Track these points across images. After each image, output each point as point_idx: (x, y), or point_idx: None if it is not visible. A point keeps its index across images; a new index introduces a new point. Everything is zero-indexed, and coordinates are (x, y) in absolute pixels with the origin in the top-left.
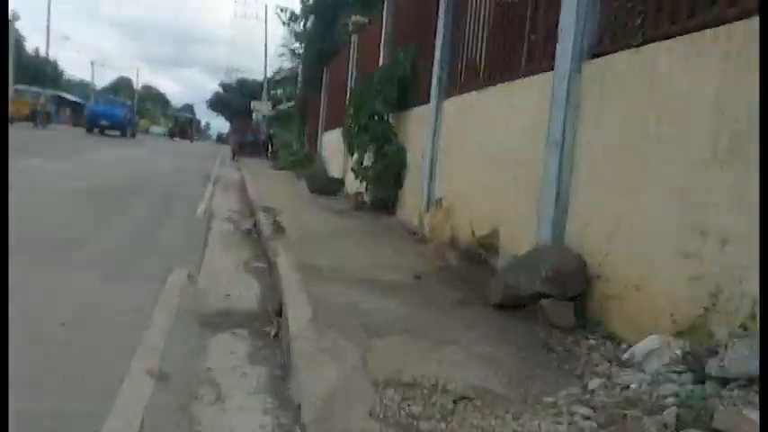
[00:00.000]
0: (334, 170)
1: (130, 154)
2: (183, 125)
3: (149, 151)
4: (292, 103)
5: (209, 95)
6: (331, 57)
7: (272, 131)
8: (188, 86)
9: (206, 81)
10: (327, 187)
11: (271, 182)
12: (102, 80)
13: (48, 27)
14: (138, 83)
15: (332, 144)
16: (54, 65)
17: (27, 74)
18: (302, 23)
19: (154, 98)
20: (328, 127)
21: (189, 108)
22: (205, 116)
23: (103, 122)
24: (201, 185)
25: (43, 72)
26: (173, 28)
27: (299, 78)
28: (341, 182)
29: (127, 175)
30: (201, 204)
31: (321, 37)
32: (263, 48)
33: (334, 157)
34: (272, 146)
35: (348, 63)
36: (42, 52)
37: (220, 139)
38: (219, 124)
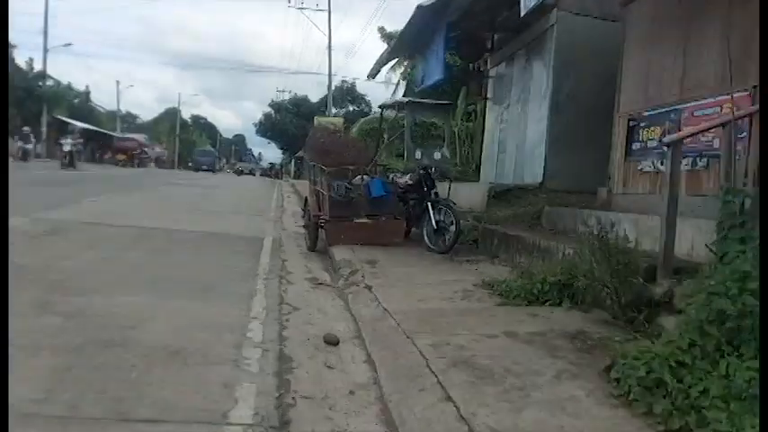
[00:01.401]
0: None
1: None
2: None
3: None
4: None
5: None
6: None
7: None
8: (241, 116)
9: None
10: None
11: None
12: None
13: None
14: (188, 113)
15: None
16: (87, 94)
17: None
18: None
19: (203, 128)
20: None
21: (241, 138)
22: (258, 146)
23: (203, 165)
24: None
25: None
26: (226, 59)
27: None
28: None
29: None
30: None
31: None
32: (320, 70)
33: None
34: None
35: None
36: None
37: (270, 170)
38: (270, 155)
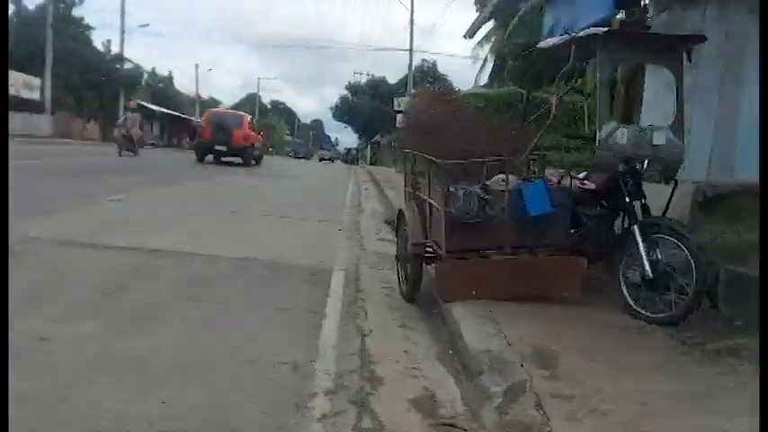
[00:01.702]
0: None
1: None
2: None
3: None
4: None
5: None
6: None
7: None
8: (320, 102)
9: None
10: None
11: None
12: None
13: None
14: (268, 98)
15: None
16: (170, 79)
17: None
18: None
19: (282, 113)
20: None
21: (318, 124)
22: (335, 131)
23: (299, 154)
24: None
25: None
26: (308, 43)
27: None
28: None
29: None
30: None
31: None
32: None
33: None
34: None
35: None
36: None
37: (347, 155)
38: (348, 139)
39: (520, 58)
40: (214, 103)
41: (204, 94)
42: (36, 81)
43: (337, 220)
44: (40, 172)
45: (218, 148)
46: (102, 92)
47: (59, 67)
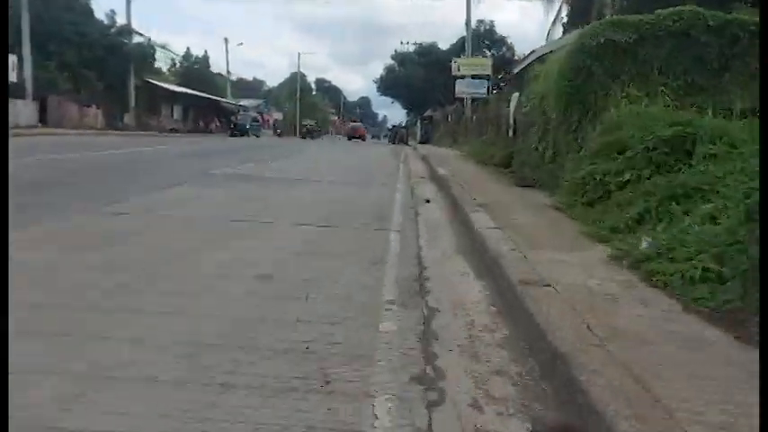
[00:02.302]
0: None
1: None
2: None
3: None
4: None
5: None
6: None
7: None
8: (368, 79)
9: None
10: None
11: None
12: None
13: None
14: (314, 77)
15: None
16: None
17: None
18: None
19: (326, 91)
20: None
21: (365, 101)
22: (382, 107)
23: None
24: None
25: None
26: (355, 21)
27: None
28: None
29: None
30: None
31: None
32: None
33: None
34: None
35: None
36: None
37: (394, 134)
38: (397, 115)
39: None
40: (258, 84)
41: (248, 75)
42: (11, 59)
43: (386, 279)
44: None
45: None
46: (106, 71)
47: (51, 42)
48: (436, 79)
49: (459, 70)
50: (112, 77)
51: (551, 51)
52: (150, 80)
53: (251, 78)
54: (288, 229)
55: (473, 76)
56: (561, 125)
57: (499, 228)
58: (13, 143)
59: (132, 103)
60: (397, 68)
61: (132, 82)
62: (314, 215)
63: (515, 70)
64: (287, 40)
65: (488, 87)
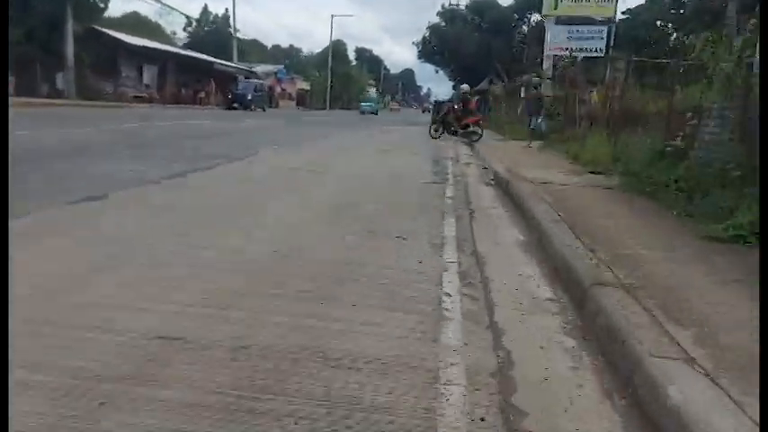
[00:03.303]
0: None
1: None
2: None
3: None
4: None
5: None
6: None
7: None
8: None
9: None
10: None
11: None
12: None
13: None
14: (351, 46)
15: None
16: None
17: None
18: None
19: (367, 61)
20: None
21: (408, 73)
22: (427, 80)
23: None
24: None
25: None
26: None
27: None
28: None
29: None
30: None
31: None
32: None
33: None
34: None
35: None
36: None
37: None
38: (443, 90)
39: None
40: (294, 51)
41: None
42: None
43: None
44: None
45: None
46: (26, 12)
47: None
48: (494, 43)
49: (555, 7)
50: (36, 21)
51: None
52: (97, 27)
53: (287, 45)
54: None
55: (580, 22)
56: None
57: None
58: None
59: (70, 60)
60: (443, 27)
61: (70, 29)
62: None
63: None
64: (335, 10)
65: (607, 40)
